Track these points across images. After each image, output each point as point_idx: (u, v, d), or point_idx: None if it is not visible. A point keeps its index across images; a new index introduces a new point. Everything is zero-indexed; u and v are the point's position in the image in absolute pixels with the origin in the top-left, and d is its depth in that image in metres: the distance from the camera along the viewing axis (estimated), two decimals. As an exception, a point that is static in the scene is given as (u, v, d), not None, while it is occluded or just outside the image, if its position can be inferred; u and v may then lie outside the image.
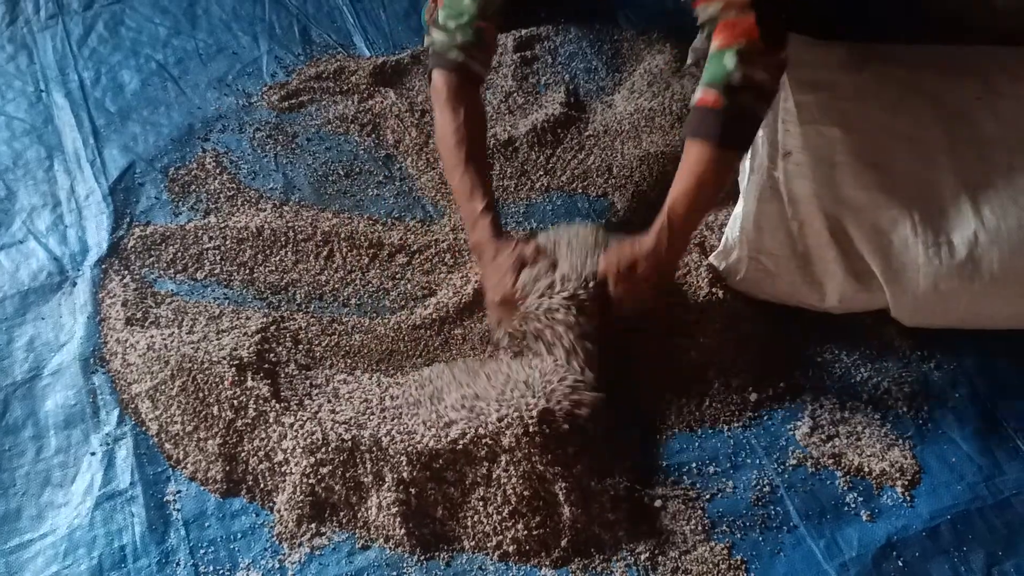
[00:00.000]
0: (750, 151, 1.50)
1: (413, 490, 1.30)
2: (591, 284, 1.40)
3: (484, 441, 1.31)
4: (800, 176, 1.46)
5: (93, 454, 1.39)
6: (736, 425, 1.43)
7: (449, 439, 1.31)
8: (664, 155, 1.73)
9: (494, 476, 1.30)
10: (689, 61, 1.81)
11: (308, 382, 1.45)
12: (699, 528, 1.31)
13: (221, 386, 1.38)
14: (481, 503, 1.30)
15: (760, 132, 1.49)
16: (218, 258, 1.61)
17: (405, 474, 1.30)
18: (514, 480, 1.29)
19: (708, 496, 1.35)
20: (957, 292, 1.43)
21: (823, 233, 1.45)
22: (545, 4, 2.04)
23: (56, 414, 1.44)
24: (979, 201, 1.47)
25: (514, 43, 1.97)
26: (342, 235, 1.64)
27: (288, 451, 1.34)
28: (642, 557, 1.28)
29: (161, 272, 1.60)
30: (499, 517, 1.29)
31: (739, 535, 1.32)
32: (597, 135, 1.80)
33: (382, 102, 1.87)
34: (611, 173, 1.74)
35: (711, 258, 1.50)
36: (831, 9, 1.85)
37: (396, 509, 1.29)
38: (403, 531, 1.29)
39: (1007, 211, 1.46)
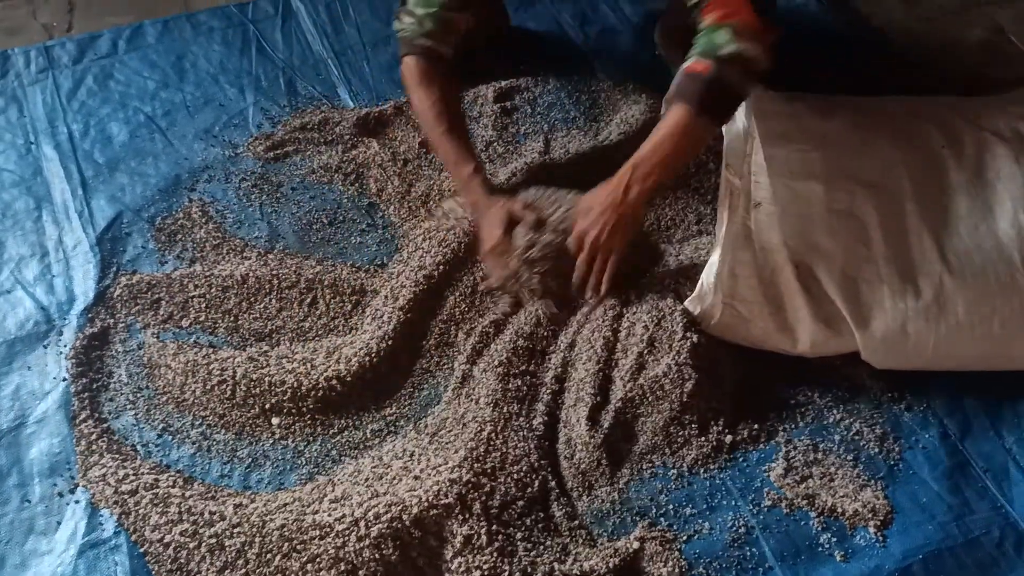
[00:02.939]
0: (727, 201, 1.54)
1: None
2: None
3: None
4: (770, 226, 1.50)
5: (77, 502, 1.40)
6: (712, 467, 1.45)
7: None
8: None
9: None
10: (664, 111, 1.86)
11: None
12: (676, 570, 1.33)
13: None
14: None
15: (736, 182, 1.54)
16: (203, 306, 1.63)
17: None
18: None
19: (685, 537, 1.37)
20: (924, 335, 1.47)
21: (792, 281, 1.49)
22: (525, 57, 2.10)
23: (41, 462, 1.45)
24: (944, 246, 1.52)
25: (494, 94, 2.01)
26: (326, 282, 1.67)
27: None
28: (620, 599, 1.30)
29: (147, 320, 1.62)
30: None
31: (715, 576, 1.34)
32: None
33: (365, 152, 1.91)
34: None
35: (686, 303, 1.53)
36: (801, 61, 1.91)
37: None
38: None
39: (971, 256, 1.50)
